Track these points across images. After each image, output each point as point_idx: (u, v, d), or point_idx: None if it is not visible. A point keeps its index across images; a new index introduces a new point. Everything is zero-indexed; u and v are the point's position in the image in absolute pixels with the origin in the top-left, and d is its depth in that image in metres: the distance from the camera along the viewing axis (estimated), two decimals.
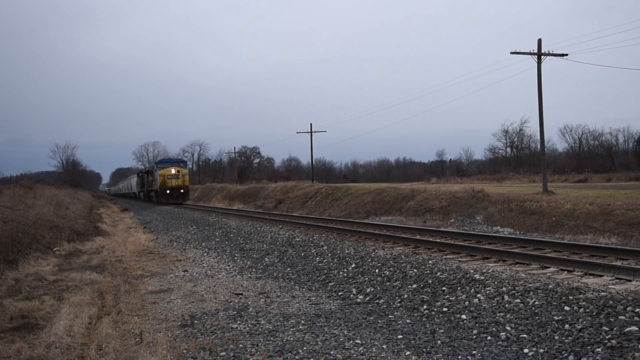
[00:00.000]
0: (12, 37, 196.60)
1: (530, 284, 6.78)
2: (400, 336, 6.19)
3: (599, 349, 4.98)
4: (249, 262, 12.28)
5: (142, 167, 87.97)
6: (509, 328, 5.93)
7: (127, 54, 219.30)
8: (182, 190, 43.30)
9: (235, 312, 7.67)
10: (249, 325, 6.97)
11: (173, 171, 43.04)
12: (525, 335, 5.67)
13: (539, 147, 30.30)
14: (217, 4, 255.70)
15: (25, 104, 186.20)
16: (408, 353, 5.61)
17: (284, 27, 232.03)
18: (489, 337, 5.86)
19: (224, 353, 5.78)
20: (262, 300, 8.48)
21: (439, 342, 5.90)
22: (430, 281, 7.94)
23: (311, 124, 52.34)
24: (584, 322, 5.52)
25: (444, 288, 7.57)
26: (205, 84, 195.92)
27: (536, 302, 6.27)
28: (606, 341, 5.08)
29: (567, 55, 25.28)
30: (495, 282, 7.16)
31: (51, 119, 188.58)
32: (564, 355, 5.08)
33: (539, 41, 25.20)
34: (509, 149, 79.48)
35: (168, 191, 42.50)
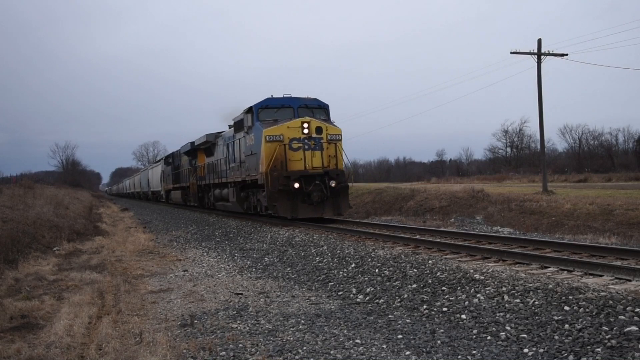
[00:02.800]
0: (13, 37, 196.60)
1: (530, 283, 6.78)
2: (400, 336, 6.19)
3: (598, 349, 4.98)
4: (248, 262, 12.27)
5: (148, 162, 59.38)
6: (508, 328, 5.92)
7: (128, 54, 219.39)
8: (332, 183, 16.47)
9: (235, 312, 7.67)
10: (249, 325, 6.97)
11: (306, 129, 16.51)
12: (525, 335, 5.67)
13: (539, 147, 30.34)
14: (221, 4, 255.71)
15: (26, 104, 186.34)
16: (408, 353, 5.61)
17: (286, 27, 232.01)
18: (488, 337, 5.86)
19: (223, 353, 5.78)
20: (262, 300, 8.48)
21: (438, 341, 5.89)
22: (430, 281, 7.94)
23: None
24: (584, 322, 5.51)
25: (443, 288, 7.57)
26: (207, 83, 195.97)
27: (536, 302, 6.26)
28: (606, 341, 5.08)
29: (567, 55, 25.29)
30: (495, 282, 7.15)
31: (52, 118, 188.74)
32: (564, 355, 5.08)
33: (539, 41, 25.20)
34: (509, 149, 79.49)
35: (297, 185, 16.07)
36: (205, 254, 14.22)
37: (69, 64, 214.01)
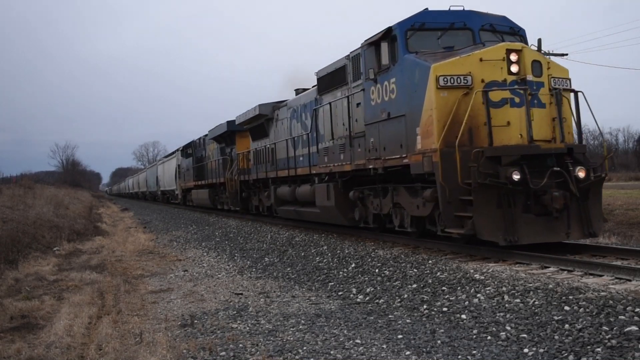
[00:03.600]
0: (14, 37, 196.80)
1: (530, 283, 6.78)
2: (400, 336, 6.18)
3: (599, 349, 4.98)
4: (249, 262, 12.28)
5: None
6: (509, 328, 5.92)
7: (129, 54, 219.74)
8: (580, 172, 8.18)
9: (235, 312, 7.67)
10: (249, 325, 6.97)
11: (514, 65, 8.30)
12: (525, 335, 5.67)
13: None
14: (221, 3, 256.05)
15: (27, 104, 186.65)
16: (408, 353, 5.61)
17: (291, 26, 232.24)
18: (488, 337, 5.86)
19: (224, 353, 5.78)
20: (262, 300, 8.48)
21: (439, 341, 5.89)
22: (430, 281, 7.94)
23: None
24: (584, 321, 5.51)
25: (444, 288, 7.57)
26: (207, 84, 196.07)
27: (536, 302, 6.26)
28: (606, 341, 5.07)
29: (567, 55, 25.32)
30: (495, 282, 7.15)
31: (52, 119, 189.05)
32: (564, 355, 5.07)
33: (539, 41, 25.20)
34: None
35: (516, 175, 7.77)
36: (205, 254, 14.23)
37: (69, 64, 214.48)
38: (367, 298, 8.15)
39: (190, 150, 29.09)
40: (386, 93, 9.87)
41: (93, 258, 13.75)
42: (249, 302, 8.29)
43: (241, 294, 9.00)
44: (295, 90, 16.28)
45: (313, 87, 13.79)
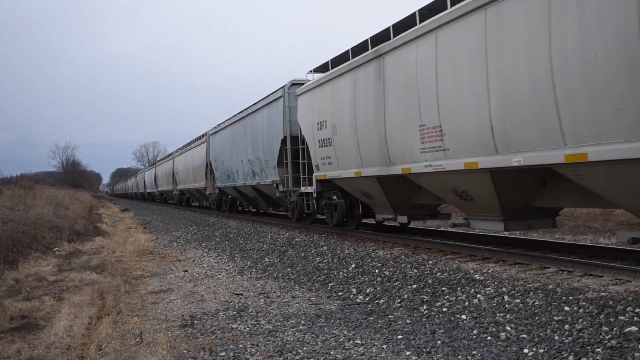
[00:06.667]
0: (15, 37, 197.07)
1: (530, 284, 6.79)
2: (400, 336, 6.19)
3: (598, 349, 4.98)
4: (249, 262, 12.28)
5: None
6: (508, 328, 5.92)
7: (130, 55, 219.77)
8: None
9: (235, 312, 7.67)
10: (249, 325, 6.97)
11: None
12: (525, 336, 5.67)
13: None
14: (226, 4, 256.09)
15: (27, 104, 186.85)
16: (408, 353, 5.61)
17: (293, 26, 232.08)
18: (488, 337, 5.86)
19: (223, 353, 5.78)
20: (262, 300, 8.49)
21: (439, 342, 5.89)
22: (430, 281, 7.94)
23: None
24: (584, 322, 5.52)
25: (444, 288, 7.57)
26: (210, 84, 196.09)
27: (536, 302, 6.27)
28: (606, 341, 5.08)
29: None
30: (495, 282, 7.16)
31: (52, 119, 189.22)
32: (564, 355, 5.08)
33: None
34: None
35: None
36: (205, 254, 14.23)
37: (69, 65, 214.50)
38: (367, 298, 8.15)
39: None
40: None
41: (93, 258, 13.75)
42: (249, 303, 8.29)
43: (241, 294, 9.00)
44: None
45: None
